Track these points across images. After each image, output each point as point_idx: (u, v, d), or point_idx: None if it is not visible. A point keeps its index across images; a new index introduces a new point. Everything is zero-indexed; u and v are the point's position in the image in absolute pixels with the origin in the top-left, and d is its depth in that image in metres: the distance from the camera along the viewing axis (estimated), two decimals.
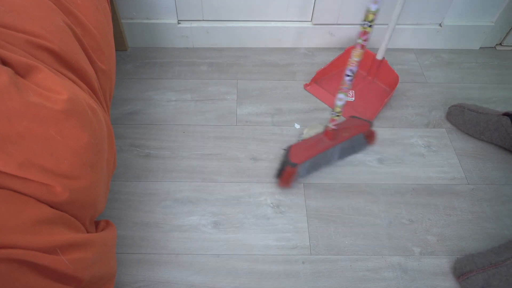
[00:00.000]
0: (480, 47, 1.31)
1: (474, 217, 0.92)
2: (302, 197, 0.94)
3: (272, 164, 0.99)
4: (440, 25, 1.24)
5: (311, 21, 1.23)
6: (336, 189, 0.95)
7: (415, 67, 1.25)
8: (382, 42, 1.06)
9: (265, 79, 1.20)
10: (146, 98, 1.13)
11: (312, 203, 0.93)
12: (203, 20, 1.22)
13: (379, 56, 1.10)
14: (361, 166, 1.00)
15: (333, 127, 0.93)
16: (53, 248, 0.46)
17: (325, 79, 1.18)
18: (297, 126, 1.06)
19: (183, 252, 0.85)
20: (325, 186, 0.96)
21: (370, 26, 0.76)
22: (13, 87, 0.46)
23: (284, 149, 1.01)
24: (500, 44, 1.31)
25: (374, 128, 1.06)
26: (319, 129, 1.02)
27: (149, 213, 0.90)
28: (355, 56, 0.80)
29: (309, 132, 1.04)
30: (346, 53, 1.17)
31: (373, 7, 0.73)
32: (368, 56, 1.14)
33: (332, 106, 1.13)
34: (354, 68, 0.82)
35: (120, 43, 1.22)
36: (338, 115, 0.91)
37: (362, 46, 0.78)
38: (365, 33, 0.76)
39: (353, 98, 1.14)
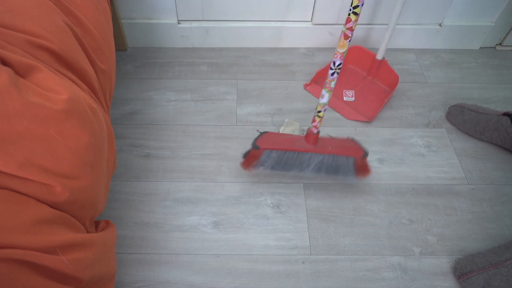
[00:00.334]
0: (480, 47, 1.31)
1: (474, 217, 0.92)
2: (302, 197, 0.94)
3: None
4: (440, 25, 1.24)
5: (311, 21, 1.23)
6: (336, 189, 0.95)
7: (415, 67, 1.25)
8: (382, 42, 1.06)
9: (265, 79, 1.20)
10: (146, 98, 1.13)
11: (312, 203, 0.93)
12: (203, 20, 1.22)
13: (379, 56, 1.10)
14: None
15: (314, 129, 0.87)
16: (53, 248, 0.46)
17: (325, 79, 1.18)
18: (297, 124, 1.06)
19: (183, 252, 0.85)
20: (325, 186, 0.96)
21: (354, 13, 0.71)
22: (13, 87, 0.46)
23: (258, 131, 0.98)
24: (500, 44, 1.31)
25: (370, 163, 0.95)
26: (295, 126, 1.00)
27: (149, 213, 0.90)
28: (339, 47, 0.76)
29: (285, 130, 1.04)
30: (346, 53, 1.17)
31: None
32: (368, 56, 1.14)
33: (333, 106, 1.13)
34: (338, 61, 0.78)
35: (120, 43, 1.22)
36: (319, 115, 0.85)
37: (346, 36, 0.74)
38: (348, 20, 0.72)
39: (353, 98, 1.14)
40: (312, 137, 0.88)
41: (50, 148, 0.48)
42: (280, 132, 1.04)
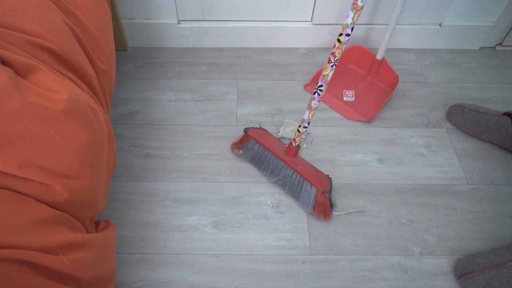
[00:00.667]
0: (480, 47, 1.31)
1: (474, 217, 0.92)
2: None
3: None
4: (440, 25, 1.24)
5: (311, 21, 1.23)
6: (336, 189, 0.95)
7: (415, 67, 1.25)
8: (382, 42, 1.06)
9: (265, 79, 1.20)
10: (146, 98, 1.13)
11: None
12: (203, 20, 1.22)
13: (379, 56, 1.10)
14: (361, 166, 1.00)
15: (293, 142, 0.89)
16: (53, 248, 0.46)
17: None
18: (296, 123, 1.06)
19: (183, 252, 0.85)
20: None
21: (338, 40, 0.71)
22: (13, 87, 0.46)
23: (259, 125, 1.06)
24: (500, 44, 1.31)
25: (334, 212, 0.91)
26: (295, 126, 1.02)
27: (149, 213, 0.90)
28: (324, 70, 0.77)
29: (285, 130, 1.05)
30: (346, 53, 1.17)
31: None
32: (368, 56, 1.14)
33: (333, 106, 1.13)
34: (320, 83, 0.78)
35: (120, 43, 1.22)
36: (298, 130, 0.87)
37: (329, 60, 0.73)
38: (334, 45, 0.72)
39: (353, 98, 1.14)
40: (291, 149, 0.91)
41: (50, 148, 0.48)
42: (280, 131, 1.04)
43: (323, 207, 0.87)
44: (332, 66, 0.75)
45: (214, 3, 1.16)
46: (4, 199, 0.44)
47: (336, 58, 0.74)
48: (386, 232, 0.89)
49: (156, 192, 0.94)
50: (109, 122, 0.65)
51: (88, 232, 0.57)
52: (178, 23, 1.21)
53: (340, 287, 0.81)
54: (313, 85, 1.17)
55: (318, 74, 1.15)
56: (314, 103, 0.82)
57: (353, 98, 1.14)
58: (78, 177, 0.52)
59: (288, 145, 0.91)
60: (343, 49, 0.73)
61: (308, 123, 0.86)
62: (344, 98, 1.14)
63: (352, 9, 0.68)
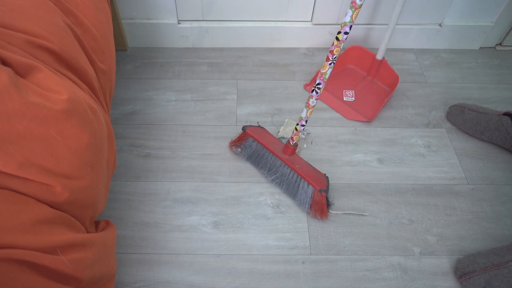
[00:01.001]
0: (480, 47, 1.31)
1: (474, 217, 0.92)
2: None
3: None
4: (440, 25, 1.24)
5: (311, 21, 1.23)
6: (336, 189, 0.95)
7: (415, 67, 1.25)
8: (382, 42, 1.06)
9: (265, 79, 1.20)
10: (146, 98, 1.13)
11: None
12: (203, 20, 1.22)
13: (379, 56, 1.10)
14: (361, 166, 1.00)
15: (291, 140, 0.90)
16: (53, 248, 0.46)
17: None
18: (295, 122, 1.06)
19: (183, 252, 0.85)
20: None
21: (336, 38, 0.72)
22: (13, 87, 0.46)
23: (258, 123, 1.07)
24: (500, 44, 1.31)
25: (331, 210, 0.91)
26: (294, 126, 1.02)
27: (149, 213, 0.90)
28: (322, 68, 0.77)
29: (285, 129, 1.05)
30: (346, 53, 1.17)
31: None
32: (368, 56, 1.14)
33: (333, 106, 1.13)
34: (318, 80, 0.78)
35: (120, 43, 1.22)
36: (296, 128, 0.87)
37: (327, 58, 0.74)
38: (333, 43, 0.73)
39: (353, 98, 1.14)
40: (288, 148, 0.91)
41: (50, 148, 0.48)
42: (280, 131, 1.04)
43: (319, 206, 0.87)
44: (330, 64, 0.76)
45: (214, 3, 1.16)
46: (4, 199, 0.44)
47: (334, 56, 0.74)
48: (386, 232, 0.89)
49: (156, 192, 0.94)
50: (109, 122, 0.65)
51: (88, 232, 0.57)
52: (178, 23, 1.21)
53: (340, 287, 0.81)
54: (313, 85, 1.17)
55: (318, 74, 1.15)
56: (312, 101, 0.83)
57: (353, 98, 1.14)
58: (78, 177, 0.52)
59: (286, 144, 0.92)
60: (341, 47, 0.73)
61: (306, 121, 0.86)
62: (344, 98, 1.14)
63: (351, 7, 0.68)
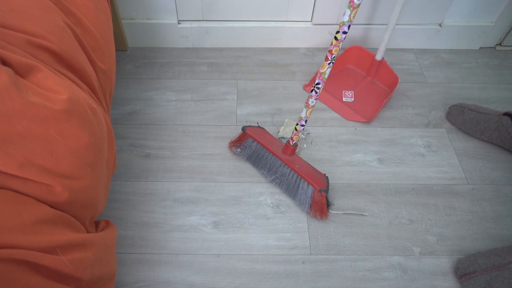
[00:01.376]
0: (480, 47, 1.31)
1: (474, 217, 0.92)
2: None
3: None
4: (440, 25, 1.24)
5: (311, 21, 1.23)
6: (336, 189, 0.95)
7: (415, 67, 1.25)
8: (381, 43, 1.06)
9: (265, 79, 1.20)
10: (146, 98, 1.13)
11: None
12: (203, 20, 1.22)
13: (378, 57, 1.10)
14: (361, 166, 1.00)
15: (290, 140, 0.90)
16: (53, 248, 0.46)
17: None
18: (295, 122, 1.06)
19: (183, 252, 0.85)
20: None
21: (335, 37, 0.72)
22: (13, 87, 0.46)
23: (257, 123, 1.07)
24: (500, 44, 1.31)
25: (331, 210, 0.91)
26: (294, 126, 1.02)
27: (149, 213, 0.90)
28: (321, 68, 0.77)
29: (285, 129, 1.05)
30: (345, 53, 1.17)
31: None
32: (368, 56, 1.14)
33: (332, 107, 1.13)
34: (317, 80, 0.79)
35: (120, 43, 1.22)
36: (296, 128, 0.87)
37: (326, 58, 0.75)
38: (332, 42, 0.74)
39: (353, 99, 1.14)
40: (288, 148, 0.91)
41: (50, 148, 0.48)
42: (280, 131, 1.04)
43: (319, 205, 0.87)
44: (329, 63, 0.76)
45: (214, 3, 1.16)
46: (4, 199, 0.44)
47: (333, 56, 0.74)
48: (386, 232, 0.89)
49: (156, 192, 0.94)
50: (109, 122, 0.65)
51: (88, 232, 0.57)
52: (178, 23, 1.21)
53: (340, 287, 0.81)
54: (312, 86, 1.17)
55: (317, 74, 1.15)
56: (311, 101, 0.83)
57: (353, 99, 1.14)
58: (78, 177, 0.52)
59: (286, 144, 0.92)
60: (340, 47, 0.74)
61: (306, 121, 0.87)
62: (344, 99, 1.14)
63: (349, 7, 0.68)
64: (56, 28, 0.59)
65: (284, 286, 0.81)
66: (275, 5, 1.18)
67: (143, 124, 1.07)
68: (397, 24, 1.23)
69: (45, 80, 0.51)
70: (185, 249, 0.85)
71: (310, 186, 0.88)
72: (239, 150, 0.98)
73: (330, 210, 0.91)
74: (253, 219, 0.90)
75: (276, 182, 0.94)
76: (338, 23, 1.22)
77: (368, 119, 1.09)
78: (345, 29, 0.70)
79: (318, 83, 0.80)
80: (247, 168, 0.99)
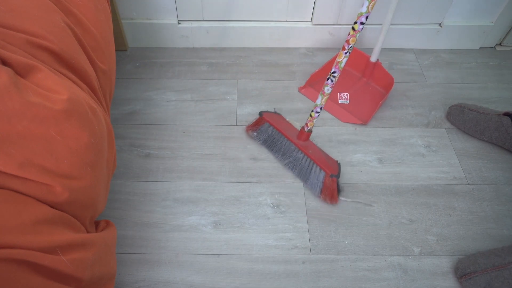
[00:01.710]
0: (480, 47, 1.31)
1: (474, 217, 0.92)
2: (302, 197, 0.94)
3: (272, 164, 0.99)
4: (440, 25, 1.24)
5: (311, 21, 1.23)
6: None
7: (415, 67, 1.25)
8: (376, 44, 1.05)
9: (265, 79, 1.20)
10: (146, 98, 1.13)
11: (312, 203, 0.93)
12: (203, 20, 1.22)
13: (373, 59, 1.09)
14: (361, 166, 1.00)
15: (305, 126, 0.92)
16: (53, 248, 0.46)
17: (319, 82, 1.17)
18: (297, 123, 1.06)
19: (183, 252, 0.85)
20: None
21: (352, 28, 0.76)
22: (13, 87, 0.46)
23: (274, 109, 1.11)
24: (500, 44, 1.31)
25: (341, 197, 0.93)
26: (295, 126, 1.03)
27: (149, 213, 0.90)
28: (338, 57, 0.80)
29: None
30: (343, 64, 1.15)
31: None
32: (362, 58, 1.13)
33: (328, 109, 1.13)
34: (333, 69, 0.82)
35: (120, 43, 1.22)
36: (311, 115, 0.90)
37: (343, 47, 0.80)
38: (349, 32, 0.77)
39: (348, 101, 1.13)
40: (302, 133, 0.94)
41: (50, 148, 0.48)
42: None
43: (330, 190, 0.90)
44: (346, 53, 0.79)
45: (214, 3, 1.16)
46: (4, 199, 0.44)
47: (350, 46, 0.78)
48: (386, 232, 0.89)
49: (156, 192, 0.94)
50: (109, 122, 0.65)
51: (88, 232, 0.57)
52: (178, 23, 1.21)
53: (340, 287, 0.81)
54: (308, 88, 1.16)
55: (313, 77, 1.14)
56: (327, 89, 0.85)
57: (348, 101, 1.13)
58: (78, 177, 0.52)
59: (301, 129, 0.94)
60: (357, 37, 0.77)
61: (321, 108, 0.89)
62: (339, 101, 1.13)
63: None
64: (56, 28, 0.59)
65: (284, 286, 0.81)
66: (275, 5, 1.18)
67: (143, 124, 1.07)
68: (397, 24, 1.23)
69: (45, 80, 0.51)
70: (185, 249, 0.85)
71: (322, 171, 0.90)
72: (255, 134, 1.02)
73: (340, 196, 0.92)
74: (253, 219, 0.90)
75: (289, 166, 0.97)
76: (338, 23, 1.22)
77: (364, 121, 1.08)
78: (363, 20, 0.74)
79: (334, 72, 0.83)
80: (247, 168, 0.99)
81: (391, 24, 1.23)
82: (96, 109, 0.58)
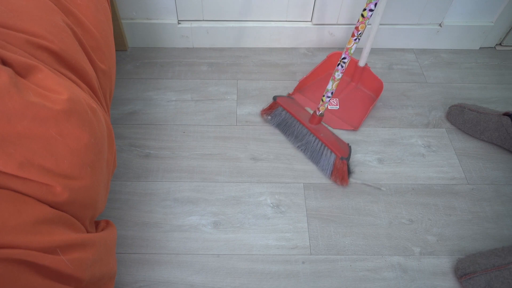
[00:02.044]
0: (480, 47, 1.31)
1: (474, 217, 0.92)
2: (302, 197, 0.94)
3: (272, 164, 0.99)
4: (440, 25, 1.24)
5: (311, 21, 1.23)
6: (336, 189, 0.95)
7: (414, 67, 1.25)
8: (363, 49, 1.04)
9: (265, 79, 1.20)
10: (146, 98, 1.13)
11: (312, 203, 0.93)
12: (203, 20, 1.22)
13: (361, 63, 1.08)
14: (361, 166, 1.00)
15: (317, 110, 0.95)
16: (53, 248, 0.46)
17: (308, 88, 1.15)
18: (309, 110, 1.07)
19: (183, 252, 0.85)
20: (325, 186, 0.96)
21: (362, 15, 0.78)
22: (13, 87, 0.46)
23: (288, 94, 1.13)
24: (500, 44, 1.31)
25: (351, 179, 0.96)
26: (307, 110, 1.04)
27: (149, 213, 0.90)
28: (347, 43, 0.84)
29: None
30: (327, 60, 1.14)
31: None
32: (351, 62, 1.11)
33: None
34: (343, 55, 0.86)
35: (120, 43, 1.22)
36: (322, 99, 0.93)
37: (352, 34, 0.83)
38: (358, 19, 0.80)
39: (338, 106, 1.11)
40: (314, 117, 0.97)
41: (50, 148, 0.48)
42: None
43: (340, 172, 0.93)
44: (355, 39, 0.82)
45: (214, 3, 1.16)
46: (4, 199, 0.44)
47: (359, 32, 0.81)
48: (386, 232, 0.89)
49: (156, 192, 0.94)
50: (109, 122, 0.65)
51: (88, 232, 0.57)
52: (178, 23, 1.21)
53: (340, 287, 0.81)
54: (297, 94, 1.13)
55: (301, 83, 1.12)
56: (337, 74, 0.88)
57: (338, 106, 1.11)
58: (78, 177, 0.52)
59: (313, 114, 0.97)
60: (366, 24, 0.79)
61: (332, 93, 0.92)
62: (329, 107, 1.11)
63: None
64: (56, 28, 0.59)
65: (284, 286, 0.81)
66: (275, 5, 1.18)
67: (143, 124, 1.07)
68: (397, 24, 1.23)
69: (45, 80, 0.51)
70: (185, 249, 0.85)
71: (333, 153, 0.93)
72: (269, 117, 1.05)
73: (350, 178, 0.95)
74: (253, 219, 0.90)
75: (302, 149, 1.00)
76: (338, 23, 1.22)
77: (354, 127, 1.07)
78: (372, 7, 0.76)
79: (344, 58, 0.85)
80: (247, 168, 0.99)
81: (392, 24, 1.23)
82: (96, 109, 0.58)
